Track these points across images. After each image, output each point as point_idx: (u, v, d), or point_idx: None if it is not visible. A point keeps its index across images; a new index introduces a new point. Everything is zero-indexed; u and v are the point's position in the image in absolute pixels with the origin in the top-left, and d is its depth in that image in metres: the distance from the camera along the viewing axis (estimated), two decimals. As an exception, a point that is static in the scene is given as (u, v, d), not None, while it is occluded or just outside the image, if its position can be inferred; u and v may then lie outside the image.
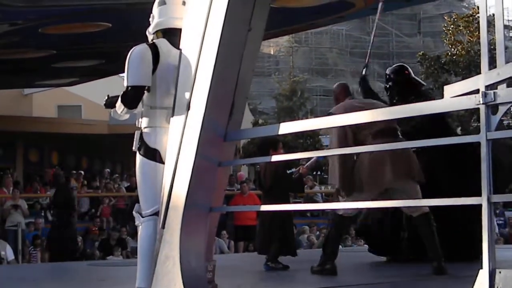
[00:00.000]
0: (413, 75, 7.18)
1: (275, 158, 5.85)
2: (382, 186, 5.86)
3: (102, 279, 6.72)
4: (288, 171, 7.56)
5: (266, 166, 6.78)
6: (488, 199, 3.06)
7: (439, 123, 6.48)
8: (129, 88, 4.57)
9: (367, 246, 7.67)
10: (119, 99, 4.64)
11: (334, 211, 6.11)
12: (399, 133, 5.97)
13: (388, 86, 7.04)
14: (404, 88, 6.87)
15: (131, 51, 4.61)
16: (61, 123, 23.34)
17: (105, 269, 7.91)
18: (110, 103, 4.79)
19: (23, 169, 23.27)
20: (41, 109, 24.85)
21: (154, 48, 4.61)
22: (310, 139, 25.99)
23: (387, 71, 7.17)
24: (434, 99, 4.46)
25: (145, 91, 4.59)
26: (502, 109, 3.11)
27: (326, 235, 6.13)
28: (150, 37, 4.85)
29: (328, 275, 5.86)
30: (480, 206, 3.07)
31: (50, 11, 12.86)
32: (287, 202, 6.85)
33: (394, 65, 7.45)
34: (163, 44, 4.67)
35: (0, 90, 22.09)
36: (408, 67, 7.24)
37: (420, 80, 7.30)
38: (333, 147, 6.04)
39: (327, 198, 17.75)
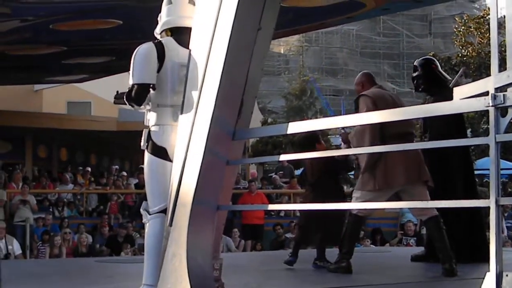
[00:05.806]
0: (440, 69, 7.19)
1: (283, 157, 5.85)
2: (395, 188, 5.88)
3: (110, 276, 6.73)
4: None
5: (312, 162, 6.66)
6: (496, 202, 3.05)
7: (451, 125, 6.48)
8: (134, 86, 4.58)
9: (374, 246, 7.65)
10: (125, 97, 4.66)
11: (349, 210, 6.11)
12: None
13: (414, 75, 7.06)
14: (429, 81, 6.91)
15: (137, 49, 4.63)
16: (71, 120, 23.38)
17: (113, 266, 7.91)
18: (120, 98, 4.81)
19: (32, 164, 23.34)
20: (51, 105, 24.92)
21: (160, 47, 4.62)
22: (319, 139, 25.92)
23: (415, 62, 7.19)
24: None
25: (151, 89, 4.61)
26: (511, 112, 3.09)
27: (343, 234, 6.14)
28: (158, 37, 4.86)
29: (343, 273, 5.91)
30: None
31: (60, 7, 12.89)
32: (336, 196, 6.59)
33: (422, 57, 7.45)
34: (169, 42, 4.67)
35: (11, 85, 22.18)
36: (436, 60, 7.24)
37: (446, 75, 7.28)
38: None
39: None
